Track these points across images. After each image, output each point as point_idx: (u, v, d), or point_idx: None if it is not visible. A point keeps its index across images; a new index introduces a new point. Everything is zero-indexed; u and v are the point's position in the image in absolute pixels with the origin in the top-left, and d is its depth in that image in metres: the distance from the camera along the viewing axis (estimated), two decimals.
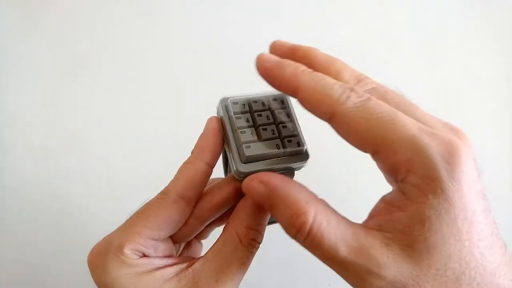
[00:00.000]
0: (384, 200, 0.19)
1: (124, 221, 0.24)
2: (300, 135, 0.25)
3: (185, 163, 0.24)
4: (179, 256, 0.29)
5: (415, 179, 0.16)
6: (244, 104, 0.25)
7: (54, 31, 0.52)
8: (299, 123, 0.25)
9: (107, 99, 0.50)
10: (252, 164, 0.24)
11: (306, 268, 0.43)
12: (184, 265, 0.23)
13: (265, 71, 0.22)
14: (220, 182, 0.26)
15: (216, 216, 0.26)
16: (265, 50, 0.52)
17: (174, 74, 0.51)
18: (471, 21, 0.52)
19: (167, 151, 0.43)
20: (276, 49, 0.24)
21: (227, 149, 0.25)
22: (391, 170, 0.18)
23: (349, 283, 0.18)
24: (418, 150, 0.16)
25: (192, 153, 0.25)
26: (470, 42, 0.52)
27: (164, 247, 0.24)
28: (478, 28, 0.52)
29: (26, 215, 0.46)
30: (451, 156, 0.16)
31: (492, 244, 0.17)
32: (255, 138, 0.24)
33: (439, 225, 0.16)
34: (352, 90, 0.19)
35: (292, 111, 0.25)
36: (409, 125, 0.17)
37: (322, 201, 0.19)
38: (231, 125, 0.24)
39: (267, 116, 0.25)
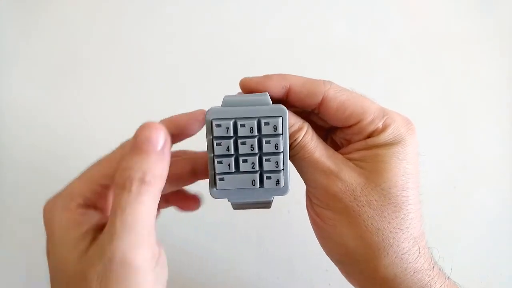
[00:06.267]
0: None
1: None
2: (284, 169, 0.23)
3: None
4: None
5: (387, 137, 0.23)
6: (228, 128, 0.22)
7: (54, 31, 0.52)
8: (288, 154, 0.23)
9: (107, 99, 0.50)
10: (224, 191, 0.23)
11: (306, 268, 0.43)
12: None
13: (256, 83, 0.24)
14: (181, 160, 0.26)
15: (173, 188, 0.27)
16: (266, 50, 0.52)
17: (174, 74, 0.51)
18: (472, 21, 0.52)
19: None
20: (245, 84, 0.25)
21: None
22: (366, 133, 0.24)
23: (317, 178, 0.24)
24: (390, 118, 0.24)
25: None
26: (470, 42, 0.52)
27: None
28: (479, 28, 0.52)
29: (26, 215, 0.46)
30: (409, 126, 0.24)
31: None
32: (232, 169, 0.22)
33: (392, 162, 0.23)
34: (330, 82, 0.24)
35: (282, 140, 0.23)
36: (372, 102, 0.24)
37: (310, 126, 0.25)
38: (211, 147, 0.23)
39: (251, 146, 0.22)
